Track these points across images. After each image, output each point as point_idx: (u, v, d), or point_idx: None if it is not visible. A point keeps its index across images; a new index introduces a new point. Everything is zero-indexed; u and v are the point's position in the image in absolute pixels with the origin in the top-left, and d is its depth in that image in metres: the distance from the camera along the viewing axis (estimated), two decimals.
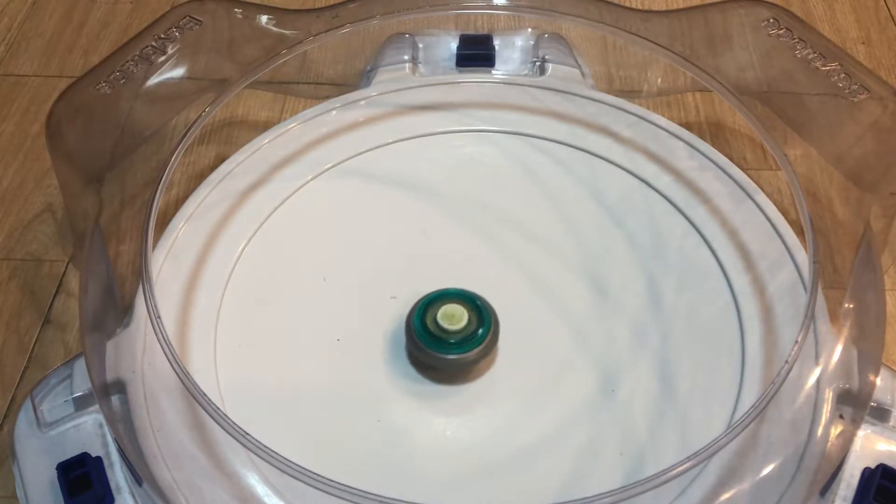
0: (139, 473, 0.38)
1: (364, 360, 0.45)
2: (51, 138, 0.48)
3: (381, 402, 0.44)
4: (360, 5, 0.54)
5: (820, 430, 0.41)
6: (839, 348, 0.43)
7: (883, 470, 0.40)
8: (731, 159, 0.54)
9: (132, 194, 0.52)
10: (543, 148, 0.55)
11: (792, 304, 0.46)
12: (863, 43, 0.70)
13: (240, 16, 0.55)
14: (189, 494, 0.39)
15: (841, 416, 0.41)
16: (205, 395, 0.37)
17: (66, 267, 0.55)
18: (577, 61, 0.61)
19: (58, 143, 0.48)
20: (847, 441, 0.40)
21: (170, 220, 0.50)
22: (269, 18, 0.55)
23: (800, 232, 0.48)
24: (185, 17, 0.53)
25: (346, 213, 0.52)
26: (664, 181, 0.53)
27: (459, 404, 0.44)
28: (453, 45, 0.61)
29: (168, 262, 0.48)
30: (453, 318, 0.43)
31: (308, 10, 0.56)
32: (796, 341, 0.39)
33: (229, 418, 0.36)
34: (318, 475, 0.35)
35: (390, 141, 0.55)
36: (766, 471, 0.40)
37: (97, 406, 0.41)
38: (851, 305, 0.43)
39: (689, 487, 0.40)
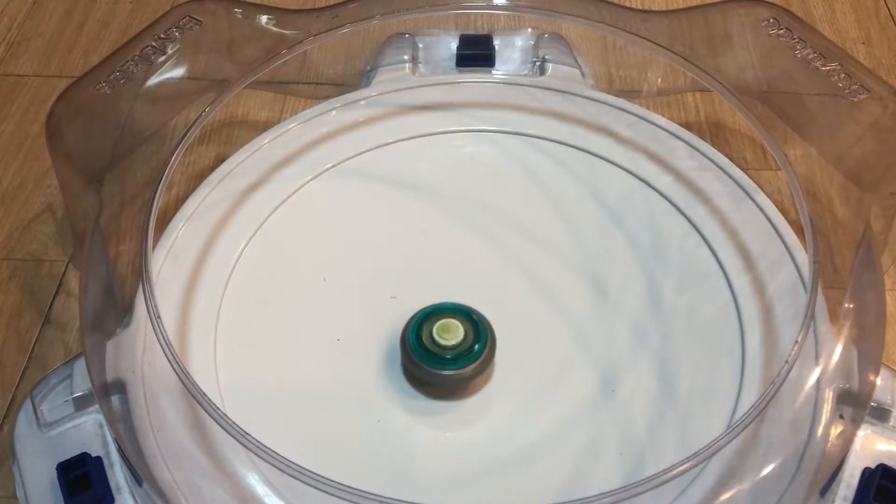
0: (139, 473, 0.38)
1: (364, 359, 0.45)
2: (51, 138, 0.48)
3: (381, 402, 0.44)
4: (360, 5, 0.54)
5: (820, 430, 0.41)
6: (839, 348, 0.43)
7: (883, 470, 0.40)
8: (731, 159, 0.54)
9: (132, 194, 0.52)
10: (543, 148, 0.55)
11: (792, 304, 0.46)
12: (863, 43, 0.70)
13: (240, 16, 0.55)
14: (189, 494, 0.39)
15: (841, 416, 0.41)
16: (205, 395, 0.37)
17: (66, 267, 0.55)
18: (577, 61, 0.61)
19: (58, 143, 0.48)
20: (847, 441, 0.40)
21: (170, 220, 0.50)
22: (269, 18, 0.55)
23: (800, 232, 0.48)
24: (185, 17, 0.53)
25: (346, 213, 0.52)
26: (664, 181, 0.53)
27: (459, 405, 0.44)
28: (453, 45, 0.61)
29: (168, 262, 0.48)
30: (449, 333, 0.43)
31: (308, 10, 0.56)
32: (796, 341, 0.39)
33: (229, 418, 0.36)
34: (318, 475, 0.35)
35: (390, 141, 0.55)
36: (766, 471, 0.40)
37: (97, 406, 0.41)
38: (851, 305, 0.43)
39: (689, 487, 0.40)
